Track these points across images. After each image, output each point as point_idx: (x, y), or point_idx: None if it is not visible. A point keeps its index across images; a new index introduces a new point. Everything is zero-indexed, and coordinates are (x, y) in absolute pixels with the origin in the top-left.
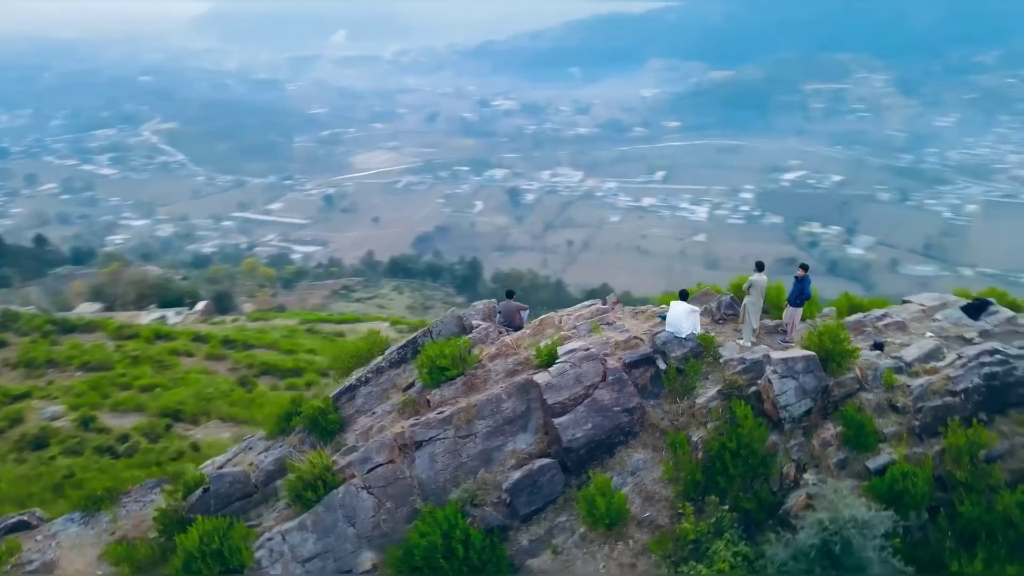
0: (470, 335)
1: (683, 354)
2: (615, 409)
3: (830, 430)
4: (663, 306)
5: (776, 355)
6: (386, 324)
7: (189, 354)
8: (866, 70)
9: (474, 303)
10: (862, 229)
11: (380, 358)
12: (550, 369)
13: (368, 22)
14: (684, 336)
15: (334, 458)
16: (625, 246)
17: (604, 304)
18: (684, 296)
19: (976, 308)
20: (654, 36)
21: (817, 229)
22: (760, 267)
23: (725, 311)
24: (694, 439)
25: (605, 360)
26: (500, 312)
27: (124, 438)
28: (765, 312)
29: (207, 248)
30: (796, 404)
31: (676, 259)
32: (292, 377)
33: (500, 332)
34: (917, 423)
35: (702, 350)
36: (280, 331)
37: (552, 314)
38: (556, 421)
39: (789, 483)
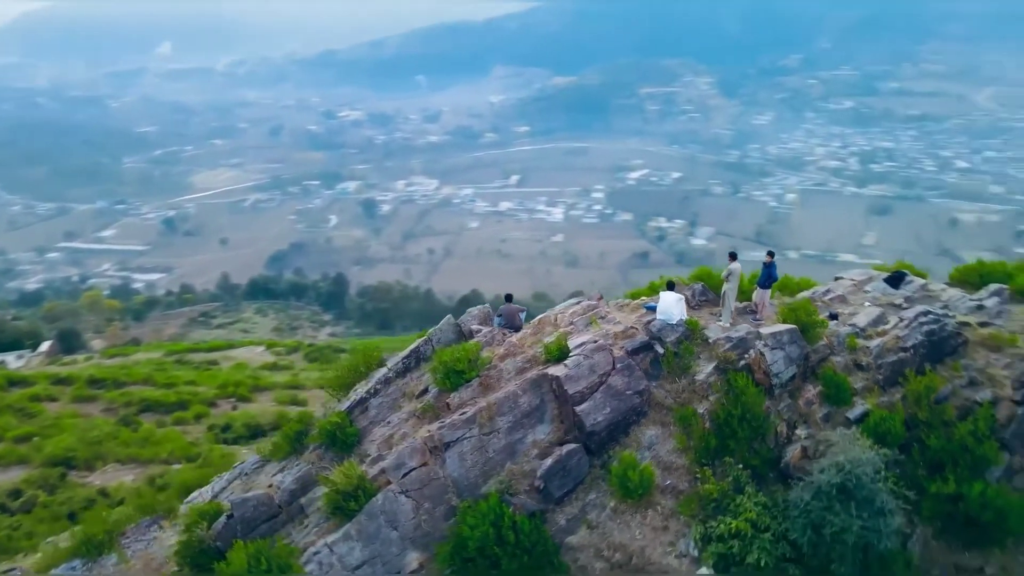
0: (475, 339)
1: (676, 339)
2: (628, 392)
3: (811, 391)
4: (643, 298)
5: (765, 330)
6: (261, 348)
7: (52, 399)
8: (692, 74)
9: (469, 309)
10: (702, 221)
11: (386, 369)
12: (566, 362)
13: (195, 33)
14: (674, 322)
15: (363, 468)
16: (487, 251)
17: (591, 300)
18: (672, 287)
19: (895, 279)
20: (497, 44)
21: (664, 223)
22: (734, 257)
23: (699, 298)
24: (700, 411)
25: (612, 350)
26: (501, 315)
27: (15, 493)
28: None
29: (32, 284)
30: (784, 371)
31: (537, 260)
32: (178, 411)
33: (504, 334)
34: (880, 377)
35: (690, 333)
36: (146, 365)
37: (547, 314)
38: (578, 408)
39: (783, 440)
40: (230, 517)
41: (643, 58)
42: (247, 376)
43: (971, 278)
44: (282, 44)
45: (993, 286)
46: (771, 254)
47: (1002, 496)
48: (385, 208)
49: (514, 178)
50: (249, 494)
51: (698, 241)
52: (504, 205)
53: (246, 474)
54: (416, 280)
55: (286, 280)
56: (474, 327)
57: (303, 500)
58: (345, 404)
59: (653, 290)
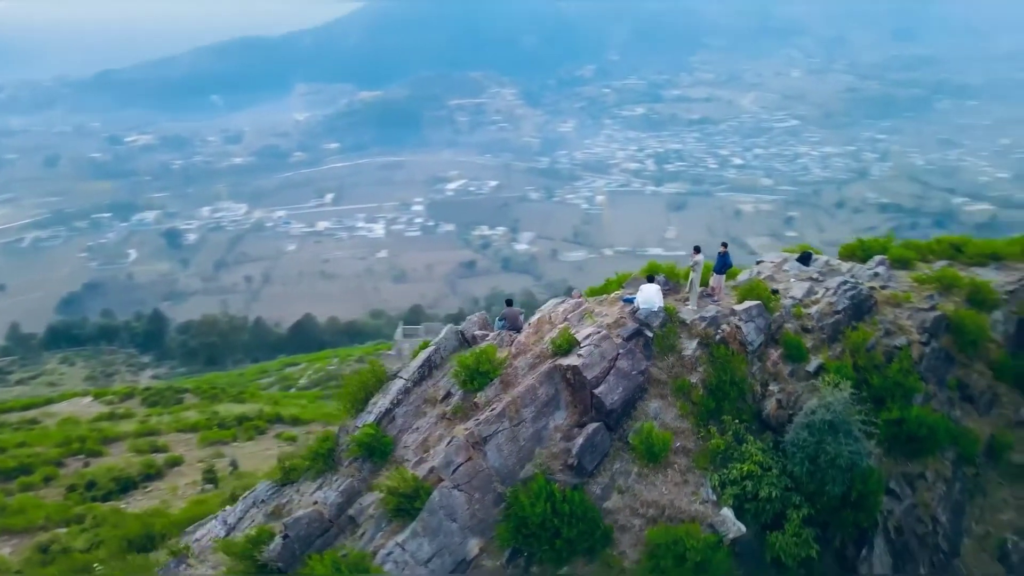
0: (486, 342)
1: (659, 323)
2: (633, 373)
3: (775, 354)
4: (618, 292)
5: (738, 307)
6: (88, 399)
7: None
8: (497, 85)
9: (469, 317)
10: (522, 227)
11: (403, 381)
12: (580, 352)
13: None
14: (656, 309)
15: (412, 471)
16: (309, 273)
17: (574, 298)
18: (651, 279)
19: (805, 259)
20: (295, 60)
21: (486, 232)
22: (698, 250)
23: (664, 288)
24: (694, 381)
25: (613, 338)
26: (504, 318)
27: None
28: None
29: None
30: (755, 340)
31: (364, 278)
32: (21, 476)
33: (509, 335)
34: (824, 336)
35: (669, 318)
36: None
37: (542, 314)
38: (596, 391)
39: (759, 396)
40: (286, 537)
41: (448, 71)
42: (88, 430)
43: (857, 252)
44: (50, 66)
45: (878, 257)
46: (724, 245)
47: (929, 416)
48: (191, 237)
49: (329, 196)
50: (299, 513)
51: (521, 246)
52: (322, 225)
53: (263, 500)
54: (236, 310)
55: (92, 324)
56: (476, 332)
57: (351, 511)
58: (371, 416)
59: (616, 284)
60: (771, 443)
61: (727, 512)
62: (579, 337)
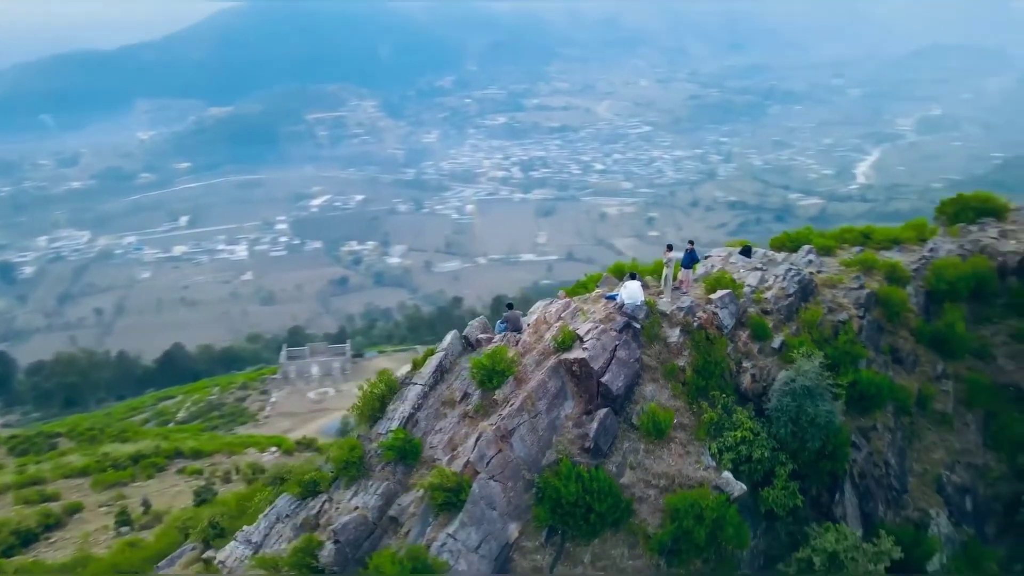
0: (492, 344)
1: (644, 316)
2: (631, 361)
3: (744, 335)
4: (598, 291)
5: (714, 296)
6: None
7: None
8: (356, 98)
9: (471, 322)
10: (393, 240)
11: (420, 387)
12: (585, 346)
13: None
14: (639, 303)
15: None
16: (168, 301)
17: (560, 299)
18: (634, 276)
19: (746, 251)
20: (135, 75)
21: (356, 247)
22: (670, 248)
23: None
24: (681, 364)
25: (608, 332)
26: (506, 321)
27: None
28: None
29: None
30: (729, 324)
31: (230, 302)
32: None
33: (513, 337)
34: (781, 316)
35: (650, 311)
36: None
37: (538, 316)
38: (602, 380)
39: (735, 373)
40: (337, 543)
41: (304, 84)
42: None
43: (786, 244)
44: None
45: (806, 247)
46: (691, 243)
47: (875, 377)
48: (27, 271)
49: (184, 219)
50: (346, 519)
51: (393, 260)
52: (178, 249)
53: (287, 515)
54: (87, 345)
55: None
56: (480, 336)
57: (391, 512)
58: (395, 423)
59: (591, 285)
60: (753, 411)
61: (728, 475)
62: (581, 332)
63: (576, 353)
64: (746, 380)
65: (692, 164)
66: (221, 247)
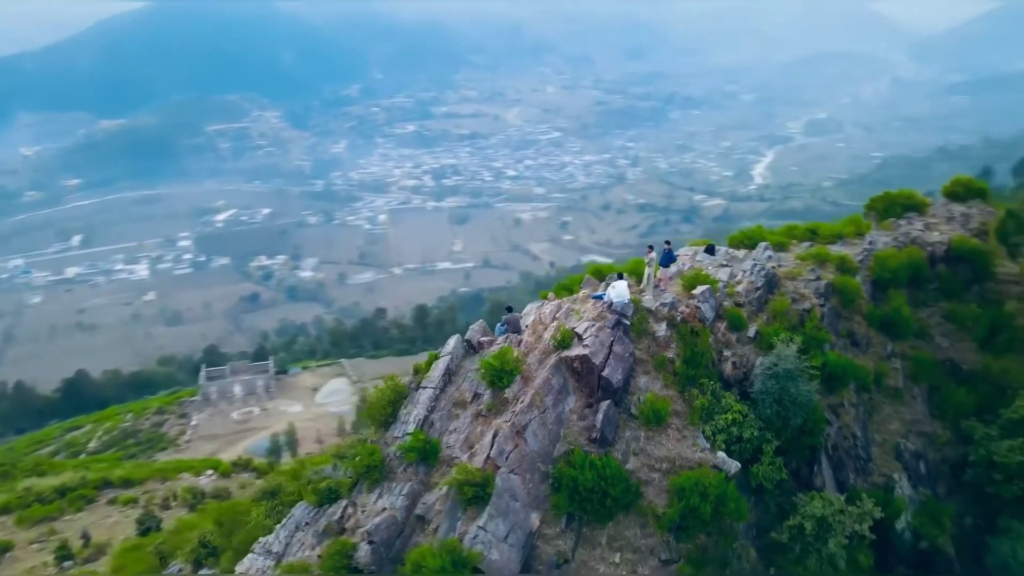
0: (495, 346)
1: (631, 313)
2: (626, 355)
3: (722, 326)
4: (584, 291)
5: (695, 292)
6: None
7: None
8: (258, 108)
9: (472, 326)
10: (305, 253)
11: (431, 391)
12: (585, 343)
13: None
14: (627, 301)
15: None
16: (63, 326)
17: (551, 301)
18: (621, 276)
19: (710, 250)
20: (15, 87)
21: (266, 262)
22: (651, 248)
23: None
24: (670, 356)
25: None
26: (506, 323)
27: None
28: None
29: None
30: (710, 316)
31: (132, 325)
32: None
33: (516, 338)
34: (753, 307)
35: (636, 308)
36: None
37: (534, 318)
38: (603, 374)
39: (717, 361)
40: (372, 543)
41: (202, 95)
42: None
43: (744, 241)
44: None
45: (763, 244)
46: (668, 243)
47: (840, 359)
48: None
49: (77, 238)
50: (377, 520)
51: (306, 273)
52: (72, 271)
53: (306, 523)
54: None
55: None
56: (482, 339)
57: (417, 511)
58: (411, 426)
59: (576, 287)
60: (737, 395)
61: (722, 454)
62: (579, 331)
63: (577, 350)
64: (728, 367)
65: (602, 168)
66: (119, 267)
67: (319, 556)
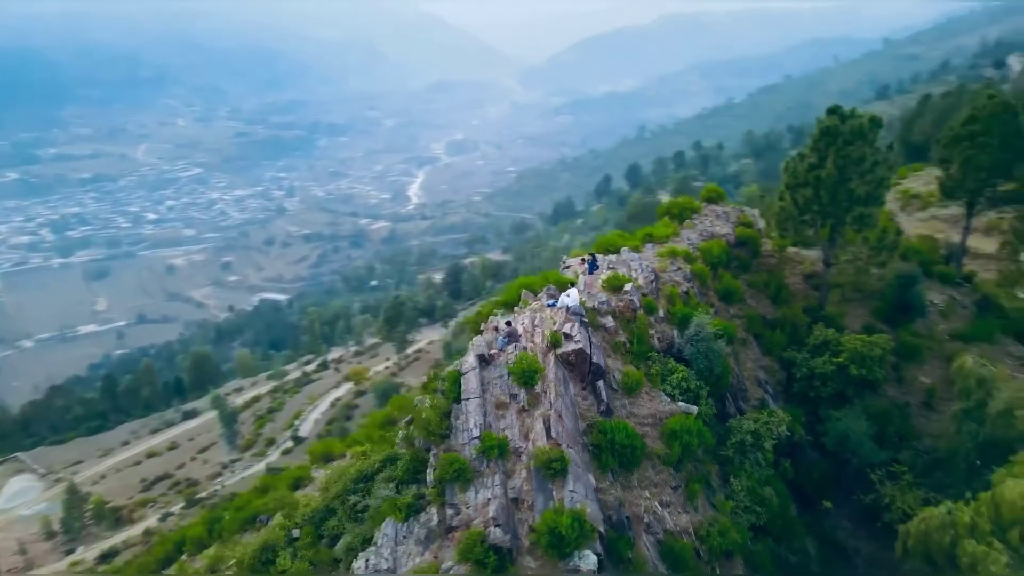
0: (502, 356)
1: (583, 312)
2: (599, 344)
3: (641, 312)
4: (540, 301)
5: (626, 288)
6: None
7: None
8: None
9: (477, 340)
10: None
11: (477, 399)
12: (576, 340)
13: None
14: (578, 304)
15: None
16: None
17: (520, 313)
18: (573, 285)
19: (592, 258)
20: None
21: None
22: (583, 260)
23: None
24: (622, 340)
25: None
26: (508, 336)
27: None
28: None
29: None
30: (638, 306)
31: None
32: None
33: (520, 346)
34: (654, 295)
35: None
36: None
37: (523, 327)
38: (594, 360)
39: (648, 338)
40: (499, 525)
41: None
42: None
43: (609, 248)
44: None
45: (624, 248)
46: (592, 255)
47: (722, 323)
48: None
49: None
50: (491, 507)
51: None
52: None
53: (404, 536)
54: None
55: None
56: (491, 352)
57: (510, 495)
58: (476, 430)
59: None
60: (673, 360)
61: (682, 403)
62: (566, 331)
63: (571, 346)
64: (656, 342)
65: (256, 202)
66: None
67: (453, 549)
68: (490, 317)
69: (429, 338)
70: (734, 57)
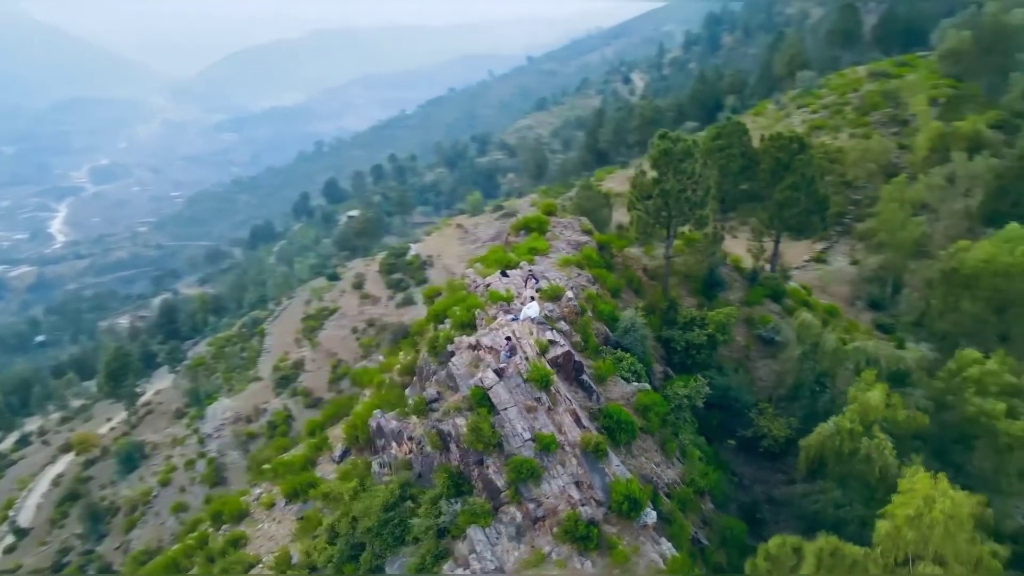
0: (509, 369)
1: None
2: (569, 344)
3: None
4: (505, 317)
5: (569, 295)
6: None
7: None
8: None
9: (486, 358)
10: None
11: (515, 408)
12: (560, 344)
13: None
14: (538, 315)
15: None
16: None
17: (501, 329)
18: (533, 298)
19: (504, 273)
20: None
21: None
22: (526, 280)
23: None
24: (576, 339)
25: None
26: (511, 350)
27: None
28: None
29: None
30: (580, 309)
31: None
32: None
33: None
34: (579, 295)
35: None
36: None
37: (517, 341)
38: (576, 359)
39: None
40: (584, 504)
41: None
42: None
43: (508, 265)
44: None
45: (523, 262)
46: (531, 272)
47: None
48: None
49: None
50: (574, 490)
51: None
52: None
53: (497, 536)
54: None
55: None
56: (501, 366)
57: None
58: (528, 434)
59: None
60: (615, 347)
61: (636, 383)
62: (550, 338)
63: (558, 350)
64: (596, 336)
65: None
66: None
67: (547, 535)
68: (456, 340)
69: (156, 387)
70: (393, 71)
